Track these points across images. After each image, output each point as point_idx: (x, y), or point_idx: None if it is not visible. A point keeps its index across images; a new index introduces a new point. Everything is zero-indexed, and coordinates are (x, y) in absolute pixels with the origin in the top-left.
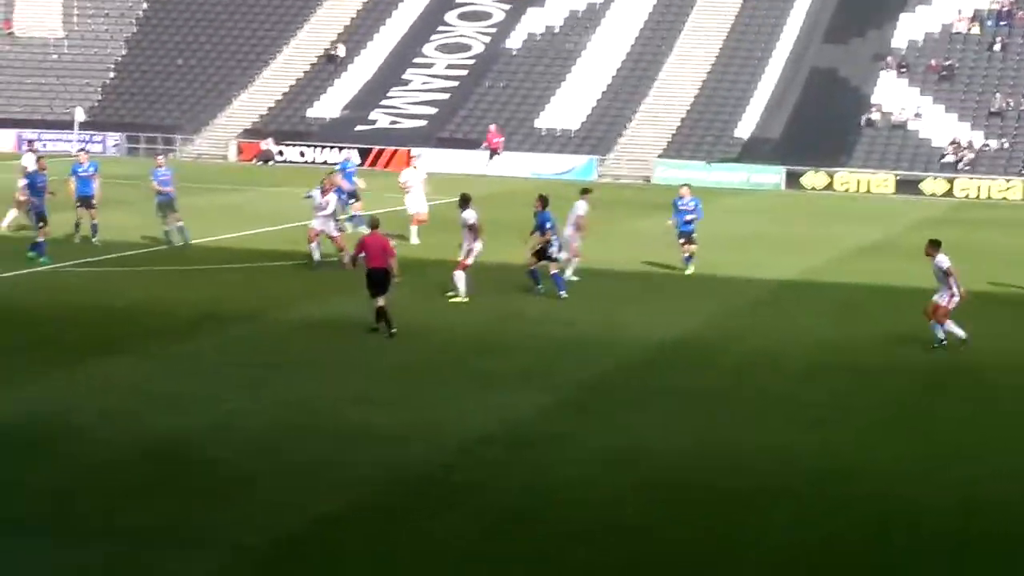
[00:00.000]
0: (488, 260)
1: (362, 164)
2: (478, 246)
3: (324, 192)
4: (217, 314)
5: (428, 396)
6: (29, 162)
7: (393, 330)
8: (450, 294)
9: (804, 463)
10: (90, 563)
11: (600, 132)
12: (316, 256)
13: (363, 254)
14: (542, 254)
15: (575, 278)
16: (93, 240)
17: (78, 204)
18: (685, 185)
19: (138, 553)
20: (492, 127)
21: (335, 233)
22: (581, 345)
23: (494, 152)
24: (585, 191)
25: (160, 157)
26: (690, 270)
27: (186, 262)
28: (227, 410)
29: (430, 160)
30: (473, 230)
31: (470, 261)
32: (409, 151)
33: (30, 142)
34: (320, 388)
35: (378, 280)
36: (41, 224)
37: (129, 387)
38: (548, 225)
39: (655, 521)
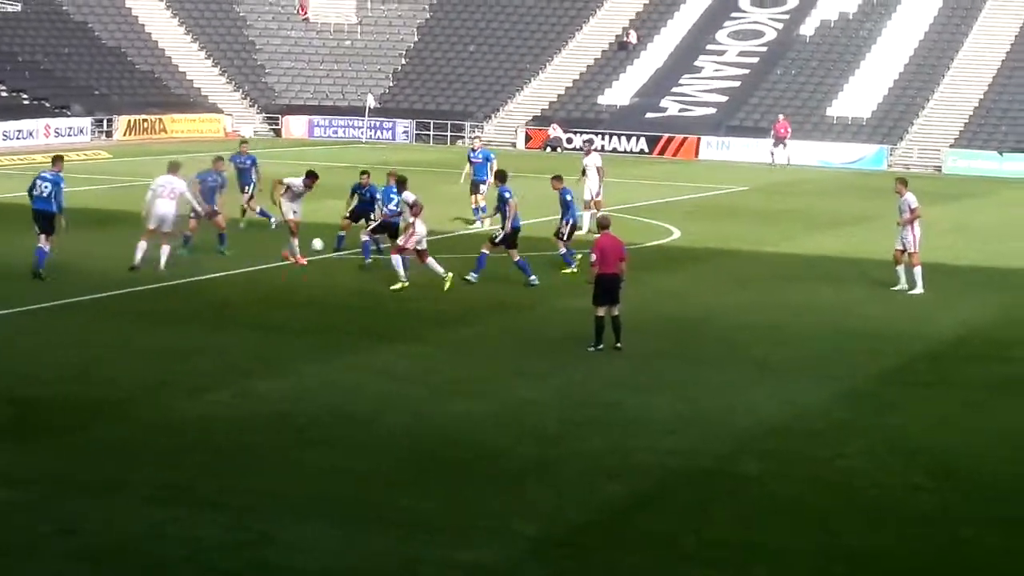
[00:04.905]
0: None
1: (649, 152)
2: (420, 228)
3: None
4: (490, 302)
5: (710, 385)
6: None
7: (619, 344)
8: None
9: None
10: (372, 548)
11: (891, 121)
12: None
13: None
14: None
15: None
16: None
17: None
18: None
19: (418, 539)
20: (780, 117)
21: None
22: (867, 336)
23: (780, 141)
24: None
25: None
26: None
27: (452, 250)
28: (507, 398)
29: (719, 150)
30: (414, 211)
31: (410, 244)
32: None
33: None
34: (598, 376)
35: (612, 287)
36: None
37: (410, 374)
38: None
39: (953, 511)
